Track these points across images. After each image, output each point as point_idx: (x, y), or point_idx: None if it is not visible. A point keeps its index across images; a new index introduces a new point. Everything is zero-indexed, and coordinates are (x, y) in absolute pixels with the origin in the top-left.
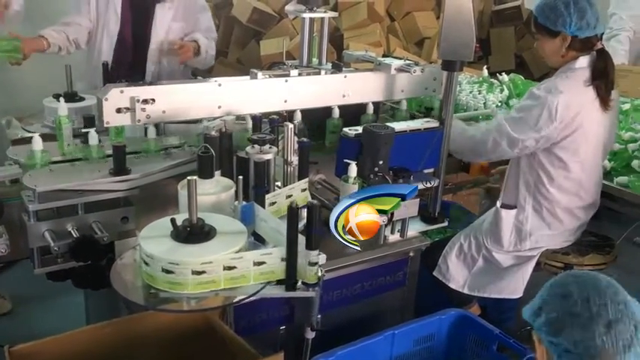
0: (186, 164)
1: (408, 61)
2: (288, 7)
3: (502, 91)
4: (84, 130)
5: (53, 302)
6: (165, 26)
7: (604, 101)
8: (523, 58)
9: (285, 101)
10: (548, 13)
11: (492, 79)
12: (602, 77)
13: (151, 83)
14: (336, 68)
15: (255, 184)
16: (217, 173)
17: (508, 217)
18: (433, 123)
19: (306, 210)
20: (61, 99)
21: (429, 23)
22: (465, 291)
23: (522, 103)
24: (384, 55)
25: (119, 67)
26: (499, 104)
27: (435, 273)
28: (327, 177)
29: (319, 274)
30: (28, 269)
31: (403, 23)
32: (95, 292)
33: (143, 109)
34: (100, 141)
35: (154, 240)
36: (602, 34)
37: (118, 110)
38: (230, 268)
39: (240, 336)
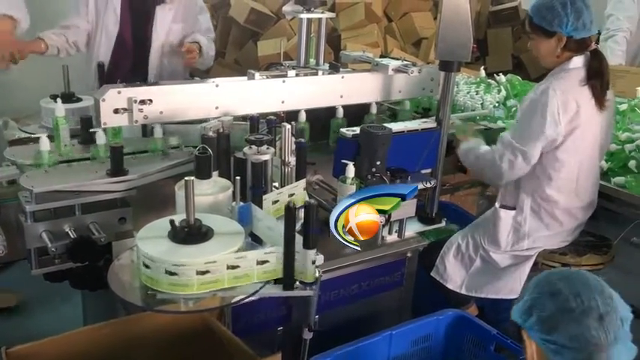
0: (184, 165)
1: (405, 62)
2: (286, 8)
3: (499, 91)
4: (91, 130)
5: (50, 303)
6: (165, 28)
7: (599, 101)
8: (520, 58)
9: (283, 102)
10: (544, 13)
11: (490, 80)
12: (598, 77)
13: (154, 83)
14: (334, 69)
15: (252, 185)
16: (215, 174)
17: (506, 217)
18: (431, 123)
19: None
20: (58, 100)
21: (426, 24)
22: (463, 291)
23: (524, 113)
24: (381, 56)
25: (118, 68)
26: (496, 105)
27: (432, 273)
28: (325, 178)
29: (317, 273)
30: (25, 270)
31: (401, 24)
32: (92, 293)
33: (140, 110)
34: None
35: (152, 241)
36: (599, 34)
37: (116, 111)
38: (234, 267)
39: (237, 337)
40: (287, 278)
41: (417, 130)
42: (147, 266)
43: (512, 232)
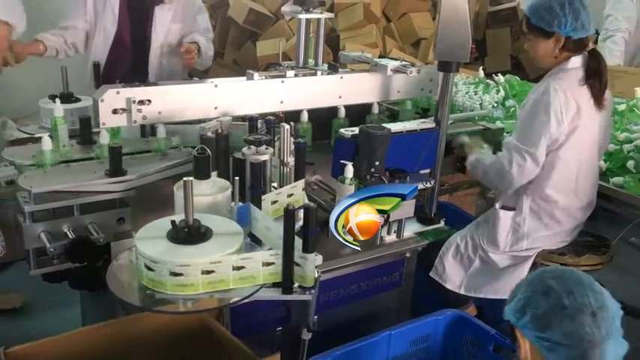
0: (183, 165)
1: (404, 62)
2: (285, 8)
3: (498, 92)
4: (95, 130)
5: (49, 304)
6: (165, 28)
7: (598, 101)
8: (519, 59)
9: (282, 102)
10: (543, 13)
11: (488, 80)
12: (596, 76)
13: (153, 84)
14: (333, 69)
15: (251, 185)
16: (214, 174)
17: (505, 218)
18: (429, 124)
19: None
20: (57, 100)
21: (425, 24)
22: (462, 292)
23: (527, 114)
24: (380, 56)
25: (116, 69)
26: (495, 105)
27: (431, 274)
28: (324, 178)
29: (315, 276)
30: (24, 271)
31: (399, 24)
32: (91, 294)
33: (139, 110)
34: (97, 141)
35: (151, 241)
36: (597, 34)
37: (114, 111)
38: (209, 272)
39: (236, 337)
40: (286, 282)
41: (416, 130)
42: (150, 268)
43: (512, 233)
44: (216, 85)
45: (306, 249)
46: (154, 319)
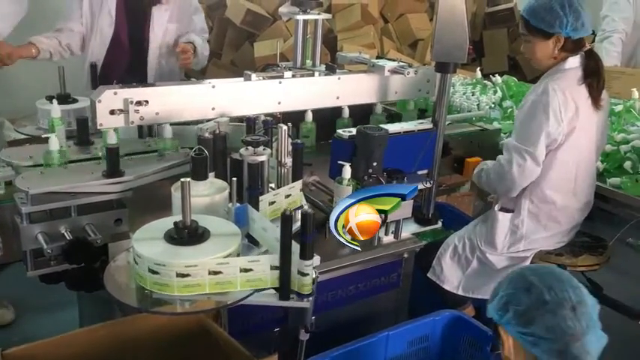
0: (180, 166)
1: (401, 63)
2: (282, 9)
3: (495, 92)
4: (102, 129)
5: (46, 305)
6: (162, 28)
7: (596, 100)
8: (516, 59)
9: (279, 103)
10: (543, 14)
11: (486, 81)
12: (594, 76)
13: (150, 84)
14: (330, 70)
15: (248, 186)
16: (211, 175)
17: (504, 219)
18: (427, 125)
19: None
20: (54, 101)
21: (422, 25)
22: (460, 292)
23: (525, 115)
24: (377, 57)
25: (114, 69)
26: (492, 106)
27: (429, 274)
28: (321, 178)
29: (313, 284)
30: (21, 272)
31: (397, 25)
32: (89, 295)
33: (137, 111)
34: (94, 142)
35: (148, 242)
36: (594, 36)
37: (112, 112)
38: (216, 273)
39: (234, 338)
40: (283, 288)
41: (414, 131)
42: (154, 272)
43: (510, 235)
44: (213, 86)
45: (304, 255)
46: (151, 320)
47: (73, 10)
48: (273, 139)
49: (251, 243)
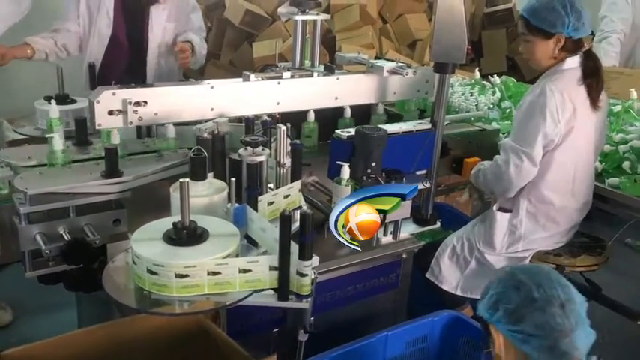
0: (179, 167)
1: (400, 64)
2: (281, 10)
3: (494, 93)
4: (108, 129)
5: (45, 305)
6: (161, 27)
7: (594, 101)
8: (515, 60)
9: (278, 103)
10: (545, 14)
11: (484, 81)
12: (594, 76)
13: (149, 85)
14: (329, 70)
15: (247, 187)
16: (210, 175)
17: (502, 220)
18: (425, 125)
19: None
20: (53, 101)
21: (421, 25)
22: (458, 292)
23: (523, 115)
24: (376, 57)
25: (112, 70)
26: (491, 106)
27: (427, 275)
28: (320, 179)
29: (312, 285)
30: (19, 272)
31: (395, 25)
32: (87, 295)
33: (135, 111)
34: (92, 143)
35: (146, 242)
36: (593, 36)
37: (110, 112)
38: (215, 273)
39: (232, 339)
40: (282, 288)
41: (412, 131)
42: (153, 272)
43: (508, 235)
44: (212, 87)
45: (303, 256)
46: (150, 321)
47: (70, 10)
48: (272, 140)
49: (250, 243)
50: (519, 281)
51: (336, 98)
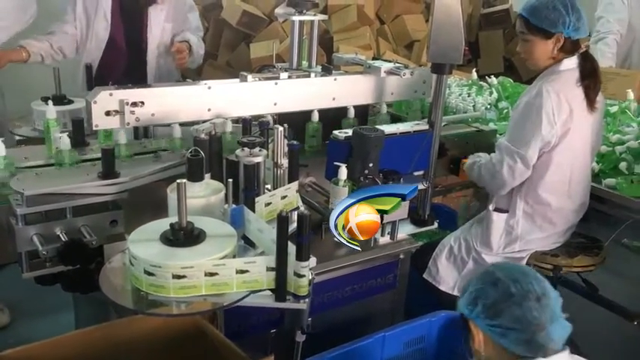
0: (176, 167)
1: (397, 64)
2: (278, 10)
3: (491, 93)
4: (115, 129)
5: (42, 307)
6: (160, 28)
7: (591, 102)
8: (512, 61)
9: (275, 104)
10: (546, 13)
11: (481, 82)
12: (592, 77)
13: (147, 85)
14: (326, 71)
15: (245, 187)
16: (207, 176)
17: (499, 220)
18: (423, 126)
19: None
20: (50, 102)
21: (418, 26)
22: (456, 293)
23: (519, 116)
24: (373, 58)
25: (110, 71)
26: (488, 107)
27: (425, 275)
28: (318, 180)
29: (309, 286)
30: (16, 274)
31: (393, 26)
32: (84, 297)
33: (132, 112)
34: (89, 143)
35: (143, 243)
36: (589, 36)
37: (107, 113)
38: (212, 274)
39: (230, 340)
40: (280, 289)
41: (410, 132)
42: (150, 273)
43: (505, 235)
44: (209, 87)
45: (300, 257)
46: (147, 322)
47: (67, 12)
48: (269, 141)
49: (247, 244)
50: (497, 278)
51: (334, 99)
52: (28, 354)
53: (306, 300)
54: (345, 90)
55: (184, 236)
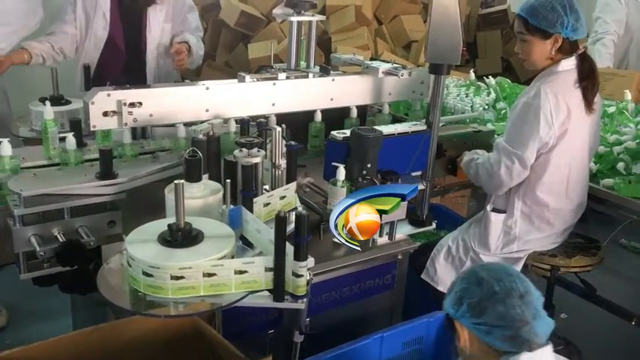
0: (174, 168)
1: (395, 65)
2: (276, 11)
3: (489, 94)
4: (119, 129)
5: (40, 309)
6: (159, 28)
7: (589, 103)
8: (510, 61)
9: (273, 104)
10: (545, 13)
11: (479, 83)
12: (590, 78)
13: (145, 86)
14: (324, 71)
15: (242, 188)
16: (205, 177)
17: (497, 220)
18: (421, 126)
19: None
20: (47, 102)
21: (416, 27)
22: None
23: (517, 117)
24: (371, 59)
25: (108, 71)
26: (486, 107)
27: (423, 276)
28: (316, 180)
29: (307, 286)
30: (13, 275)
31: (391, 27)
32: (82, 297)
33: (130, 113)
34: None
35: (141, 244)
36: (587, 37)
37: (105, 113)
38: (210, 275)
39: (228, 340)
40: (277, 289)
41: (408, 132)
42: (148, 274)
43: (503, 235)
44: (207, 88)
45: (298, 257)
46: (145, 323)
47: (66, 13)
48: (268, 141)
49: (245, 245)
50: (481, 278)
51: (332, 99)
52: (25, 355)
53: (304, 300)
54: (343, 90)
55: (182, 237)
